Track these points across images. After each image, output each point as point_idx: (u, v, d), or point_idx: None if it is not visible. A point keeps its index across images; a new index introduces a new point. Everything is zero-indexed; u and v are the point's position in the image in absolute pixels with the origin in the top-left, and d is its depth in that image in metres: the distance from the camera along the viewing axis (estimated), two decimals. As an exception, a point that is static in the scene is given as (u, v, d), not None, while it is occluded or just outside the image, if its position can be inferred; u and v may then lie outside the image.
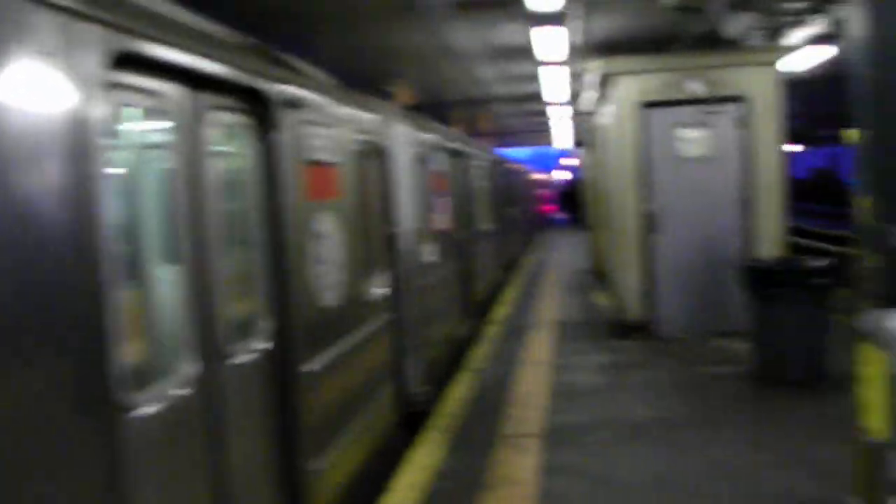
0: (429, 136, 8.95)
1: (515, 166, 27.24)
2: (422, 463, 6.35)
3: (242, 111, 4.36)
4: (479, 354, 10.13)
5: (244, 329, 4.20)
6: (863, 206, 4.41)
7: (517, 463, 6.20)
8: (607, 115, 11.11)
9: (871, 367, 3.94)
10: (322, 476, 4.83)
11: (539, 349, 10.19)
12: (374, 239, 6.70)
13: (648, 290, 10.24)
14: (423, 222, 8.53)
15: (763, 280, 7.86)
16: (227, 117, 4.19)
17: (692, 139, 10.10)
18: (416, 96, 16.66)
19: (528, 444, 6.61)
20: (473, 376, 9.06)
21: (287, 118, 4.70)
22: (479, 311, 12.41)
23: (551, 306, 13.75)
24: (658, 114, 10.05)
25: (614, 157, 10.35)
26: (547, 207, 45.81)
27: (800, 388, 7.61)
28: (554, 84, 13.37)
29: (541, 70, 11.90)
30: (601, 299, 13.77)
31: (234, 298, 4.06)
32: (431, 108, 19.28)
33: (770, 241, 9.94)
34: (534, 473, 5.96)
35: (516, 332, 11.50)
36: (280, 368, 4.45)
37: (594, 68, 10.04)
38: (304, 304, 4.85)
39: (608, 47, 10.97)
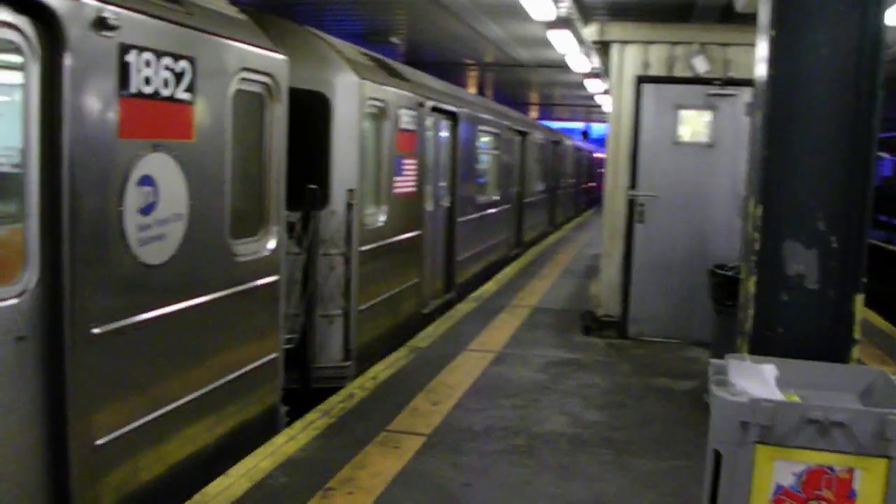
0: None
1: (567, 142, 26.41)
2: (279, 449, 5.60)
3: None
4: (431, 332, 9.32)
5: None
6: (753, 214, 3.47)
7: (378, 464, 5.41)
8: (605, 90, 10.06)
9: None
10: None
11: (496, 335, 9.33)
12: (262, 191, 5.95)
13: (625, 284, 9.27)
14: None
15: (724, 289, 6.85)
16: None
17: (692, 123, 9.03)
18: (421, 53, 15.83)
19: (406, 445, 5.80)
20: (409, 354, 8.27)
21: (91, 41, 3.94)
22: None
23: (540, 288, 12.82)
24: (656, 91, 8.99)
25: (609, 135, 9.32)
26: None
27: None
28: (567, 50, 12.32)
29: (550, 34, 10.91)
30: (595, 289, 12.77)
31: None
32: (447, 68, 18.43)
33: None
34: (385, 480, 5.16)
35: (487, 312, 10.64)
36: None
37: (589, 34, 9.00)
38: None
39: (614, 11, 9.89)
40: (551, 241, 20.56)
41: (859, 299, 3.39)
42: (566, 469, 5.53)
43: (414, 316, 9.72)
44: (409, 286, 9.51)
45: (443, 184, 11.16)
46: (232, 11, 5.81)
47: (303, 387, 7.17)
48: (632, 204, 9.13)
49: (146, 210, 4.50)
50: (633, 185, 9.10)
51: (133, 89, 4.30)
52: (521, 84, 23.59)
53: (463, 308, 10.84)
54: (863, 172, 3.30)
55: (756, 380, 2.94)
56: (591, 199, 38.13)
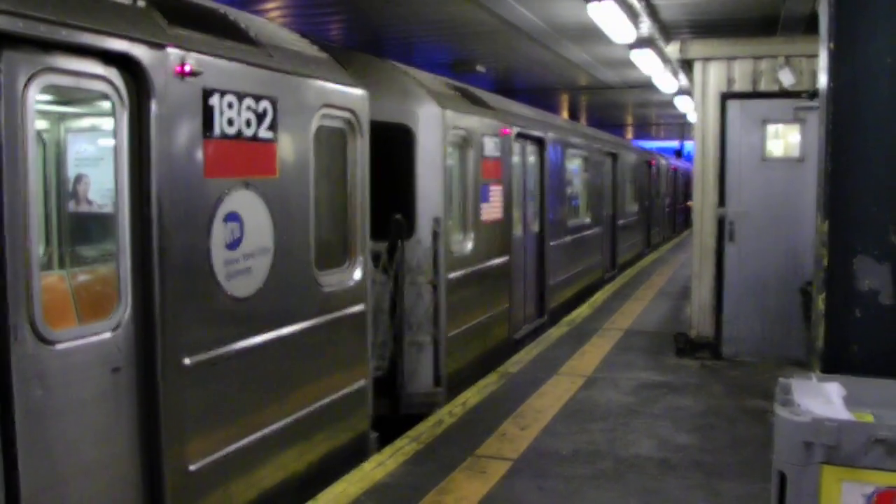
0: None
1: (660, 161, 26.14)
2: (368, 475, 5.72)
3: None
4: (522, 357, 9.34)
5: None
6: (820, 229, 3.42)
7: (464, 489, 5.47)
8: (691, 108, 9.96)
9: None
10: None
11: (587, 359, 9.28)
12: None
13: (718, 304, 9.11)
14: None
15: (817, 307, 6.68)
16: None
17: (780, 138, 8.86)
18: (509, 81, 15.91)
19: (493, 469, 5.84)
20: (498, 379, 8.32)
21: (175, 87, 4.18)
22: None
23: (633, 310, 12.68)
24: (742, 107, 8.85)
25: (696, 154, 9.23)
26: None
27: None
28: (651, 70, 12.23)
29: (633, 55, 10.86)
30: (688, 310, 12.55)
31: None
32: (539, 94, 18.43)
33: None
34: (470, 505, 5.22)
35: (579, 335, 10.59)
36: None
37: (671, 52, 8.95)
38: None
39: (696, 28, 9.80)
40: (647, 262, 20.30)
41: (935, 314, 3.29)
42: (653, 494, 5.47)
43: (505, 341, 9.76)
44: (499, 312, 9.56)
45: (532, 209, 11.20)
46: (312, 51, 6.03)
47: (393, 413, 7.29)
48: (721, 222, 8.98)
49: (233, 245, 4.71)
50: (721, 203, 8.97)
51: (217, 130, 4.51)
52: (613, 106, 23.44)
53: (555, 333, 10.82)
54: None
55: (821, 399, 2.90)
56: (688, 218, 37.49)
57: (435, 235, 7.63)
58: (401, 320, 7.35)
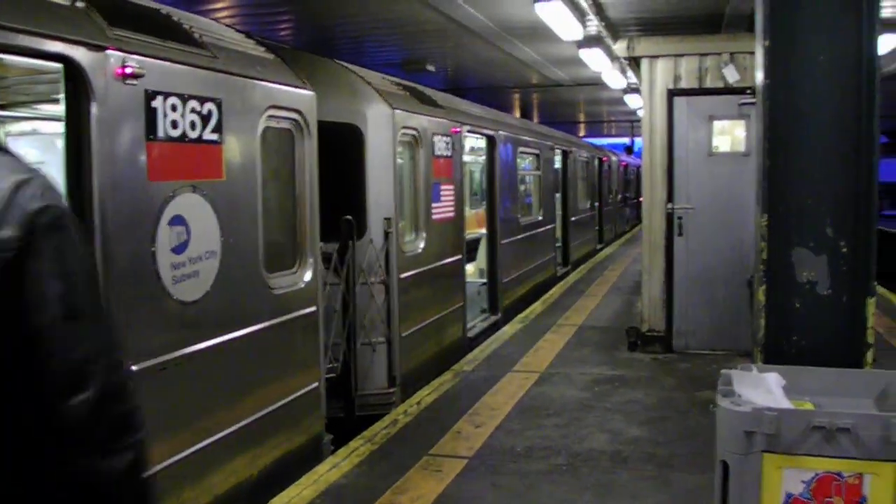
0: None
1: (612, 158, 26.39)
2: (322, 477, 5.70)
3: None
4: (476, 355, 9.37)
5: None
6: (759, 223, 3.49)
7: (419, 488, 5.47)
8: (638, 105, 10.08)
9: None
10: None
11: (541, 355, 9.34)
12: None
13: (668, 298, 9.22)
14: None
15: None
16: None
17: (727, 134, 8.99)
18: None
19: (448, 468, 5.86)
20: (453, 378, 8.34)
21: (116, 90, 4.12)
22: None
23: (587, 305, 12.78)
24: (688, 103, 8.97)
25: (644, 150, 9.33)
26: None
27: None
28: (602, 68, 12.35)
29: (582, 53, 10.96)
30: (639, 304, 12.70)
31: None
32: (491, 92, 18.53)
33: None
34: (425, 503, 5.23)
35: (533, 332, 10.65)
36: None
37: (619, 50, 9.04)
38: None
39: (643, 26, 9.92)
40: (600, 258, 20.48)
41: (871, 303, 3.37)
42: (607, 487, 5.52)
43: (459, 340, 9.79)
44: (453, 311, 9.59)
45: (483, 207, 11.24)
46: (259, 52, 5.99)
47: (348, 415, 7.27)
48: (670, 218, 9.10)
49: (179, 249, 4.65)
50: (670, 199, 9.08)
51: (160, 133, 4.46)
52: (565, 104, 23.63)
53: (508, 330, 10.88)
54: (867, 175, 3.30)
55: (761, 389, 2.95)
56: (640, 213, 37.93)
57: (386, 235, 7.62)
58: (353, 321, 7.34)
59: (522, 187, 13.72)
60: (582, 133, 35.94)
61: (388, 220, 7.63)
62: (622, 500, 5.32)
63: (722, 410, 2.90)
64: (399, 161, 7.94)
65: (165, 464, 4.51)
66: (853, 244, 3.30)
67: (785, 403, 2.92)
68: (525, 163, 14.01)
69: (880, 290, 13.50)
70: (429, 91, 10.03)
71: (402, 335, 7.91)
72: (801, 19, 3.34)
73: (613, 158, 27.41)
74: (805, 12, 3.32)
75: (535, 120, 25.09)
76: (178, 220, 4.62)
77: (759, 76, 3.49)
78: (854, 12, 3.24)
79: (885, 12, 9.70)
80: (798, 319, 3.37)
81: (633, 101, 18.31)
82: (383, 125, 7.64)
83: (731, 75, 8.58)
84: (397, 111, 7.86)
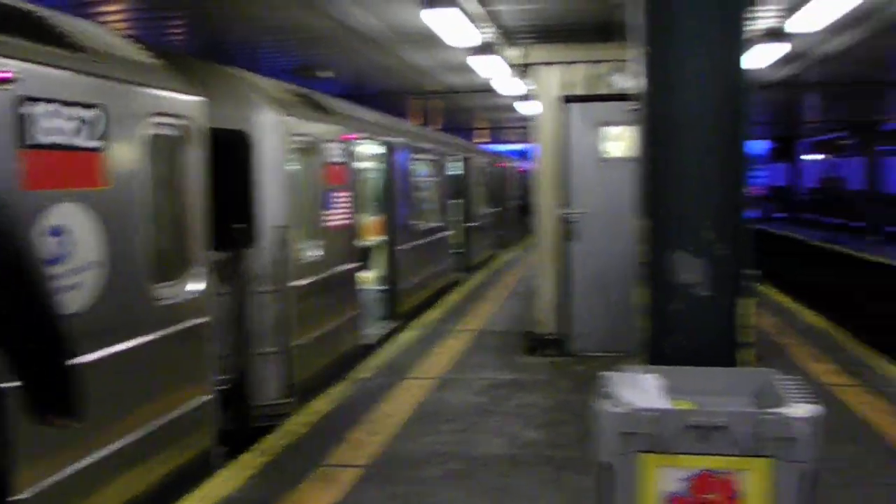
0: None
1: (510, 164, 26.72)
2: (212, 492, 5.56)
3: None
4: (374, 362, 9.32)
5: None
6: (640, 227, 3.57)
7: (314, 500, 5.40)
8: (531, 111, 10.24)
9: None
10: None
11: (439, 361, 9.36)
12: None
13: (563, 302, 9.36)
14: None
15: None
16: None
17: (616, 139, 9.19)
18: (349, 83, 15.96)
19: (344, 478, 5.80)
20: (350, 386, 8.27)
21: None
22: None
23: (486, 310, 12.88)
24: (581, 110, 9.15)
25: (538, 156, 9.45)
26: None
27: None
28: (493, 74, 12.50)
29: (471, 60, 11.07)
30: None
31: None
32: (389, 98, 18.55)
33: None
34: (319, 516, 5.16)
35: (431, 338, 10.66)
36: None
37: (514, 57, 9.15)
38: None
39: (537, 34, 10.07)
40: (499, 263, 20.67)
41: (749, 303, 3.49)
42: (503, 491, 5.56)
43: (356, 347, 9.72)
44: (349, 318, 9.52)
45: (380, 214, 11.22)
46: (145, 57, 5.83)
47: (242, 426, 7.13)
48: (564, 222, 9.24)
49: (58, 260, 4.48)
50: (567, 203, 9.22)
51: (36, 140, 4.29)
52: (462, 110, 23.79)
53: (406, 336, 10.86)
54: (740, 180, 3.42)
55: (639, 390, 3.02)
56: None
57: (278, 243, 7.51)
58: (246, 331, 7.20)
59: (420, 193, 13.74)
60: (484, 139, 36.26)
61: (279, 227, 7.52)
62: (519, 502, 5.36)
63: (599, 411, 2.95)
64: (291, 168, 7.84)
65: (48, 482, 4.33)
66: (731, 246, 3.41)
67: (663, 403, 2.99)
68: (423, 169, 14.04)
69: (769, 290, 14.02)
70: (324, 98, 9.95)
71: (296, 344, 7.80)
72: (678, 27, 3.43)
73: (512, 164, 27.76)
74: (680, 20, 3.41)
75: (438, 126, 25.20)
76: (56, 231, 4.45)
77: (641, 83, 3.58)
78: (722, 24, 3.35)
79: (768, 22, 10.09)
80: (679, 321, 3.46)
81: (523, 107, 18.56)
82: (274, 132, 7.53)
83: (620, 82, 8.77)
84: (289, 118, 7.77)
